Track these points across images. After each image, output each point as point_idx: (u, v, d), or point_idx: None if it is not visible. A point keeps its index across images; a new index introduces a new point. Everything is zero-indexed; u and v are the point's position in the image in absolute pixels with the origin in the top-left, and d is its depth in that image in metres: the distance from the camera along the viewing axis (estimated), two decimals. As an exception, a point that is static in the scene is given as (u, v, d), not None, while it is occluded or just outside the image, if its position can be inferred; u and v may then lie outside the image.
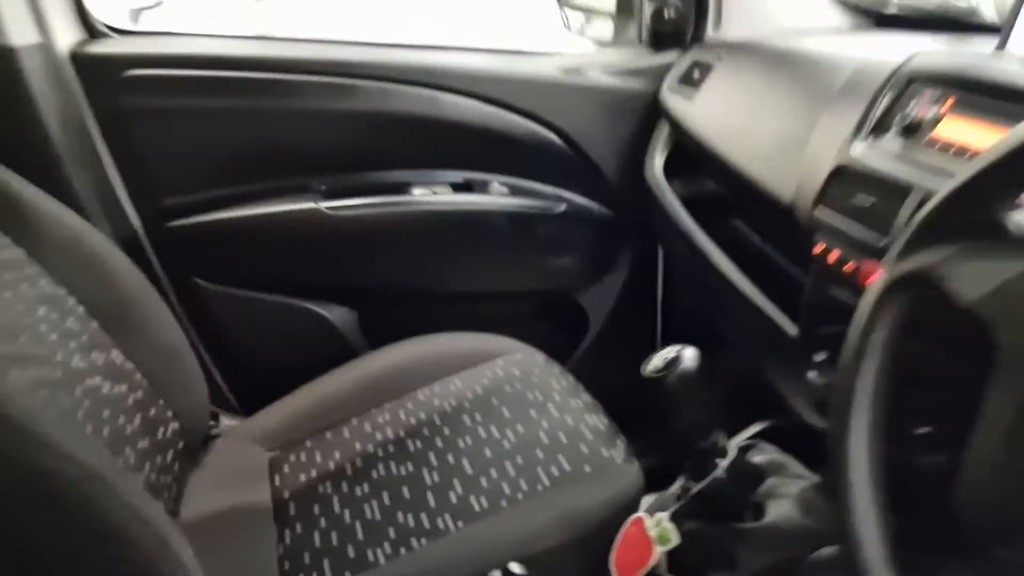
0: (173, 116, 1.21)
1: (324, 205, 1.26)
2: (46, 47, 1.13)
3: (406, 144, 1.29)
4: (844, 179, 0.82)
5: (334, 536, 0.91)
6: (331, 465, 1.02)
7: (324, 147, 1.27)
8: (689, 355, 0.74)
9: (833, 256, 0.79)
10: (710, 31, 1.30)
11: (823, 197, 0.84)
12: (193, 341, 1.25)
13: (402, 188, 1.30)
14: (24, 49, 1.10)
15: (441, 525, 0.90)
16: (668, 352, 0.75)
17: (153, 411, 1.00)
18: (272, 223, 1.25)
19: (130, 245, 1.20)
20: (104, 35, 1.22)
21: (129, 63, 1.19)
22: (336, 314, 1.33)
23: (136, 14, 4.39)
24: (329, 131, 1.26)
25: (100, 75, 1.18)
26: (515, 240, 1.36)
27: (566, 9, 1.53)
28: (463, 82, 1.28)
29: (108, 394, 0.93)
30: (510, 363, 1.15)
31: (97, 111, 1.18)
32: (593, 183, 1.37)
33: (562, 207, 1.37)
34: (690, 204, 1.22)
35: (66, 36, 1.16)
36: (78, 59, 1.16)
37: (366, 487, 0.97)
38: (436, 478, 0.96)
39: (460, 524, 0.89)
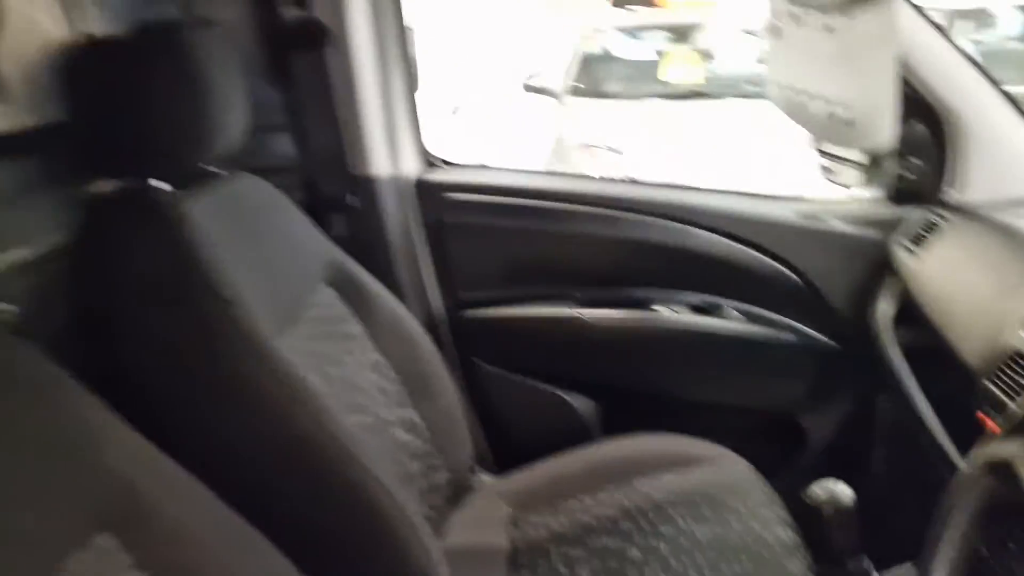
0: (477, 230, 1.57)
1: (582, 312, 1.53)
2: (397, 176, 1.53)
3: (655, 267, 1.53)
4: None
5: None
6: (558, 528, 1.26)
7: (588, 264, 1.55)
8: (842, 490, 0.88)
9: (993, 428, 0.88)
10: (950, 191, 1.39)
11: (997, 374, 0.93)
12: (467, 408, 1.57)
13: (646, 303, 1.54)
14: (383, 178, 1.50)
15: None
16: (826, 484, 0.89)
17: (432, 460, 1.31)
18: (539, 322, 1.55)
19: (433, 327, 1.55)
20: (437, 166, 1.62)
21: (450, 188, 1.56)
22: (580, 402, 1.58)
23: (457, 110, 5.12)
24: (594, 252, 1.54)
25: (430, 196, 1.56)
26: (744, 361, 1.53)
27: (823, 156, 1.68)
28: (711, 219, 1.50)
29: (403, 441, 1.25)
30: (720, 468, 1.31)
31: (424, 222, 1.56)
32: (823, 318, 1.50)
33: (791, 336, 1.52)
34: (911, 353, 1.31)
35: (411, 167, 1.56)
36: (419, 184, 1.56)
37: (582, 551, 1.19)
38: (638, 555, 1.16)
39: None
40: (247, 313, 0.99)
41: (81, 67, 1.03)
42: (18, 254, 0.91)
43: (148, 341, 0.97)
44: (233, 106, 1.13)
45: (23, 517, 0.61)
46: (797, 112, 1.38)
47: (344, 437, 1.01)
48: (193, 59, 1.06)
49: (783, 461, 1.58)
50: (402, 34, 1.53)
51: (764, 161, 3.21)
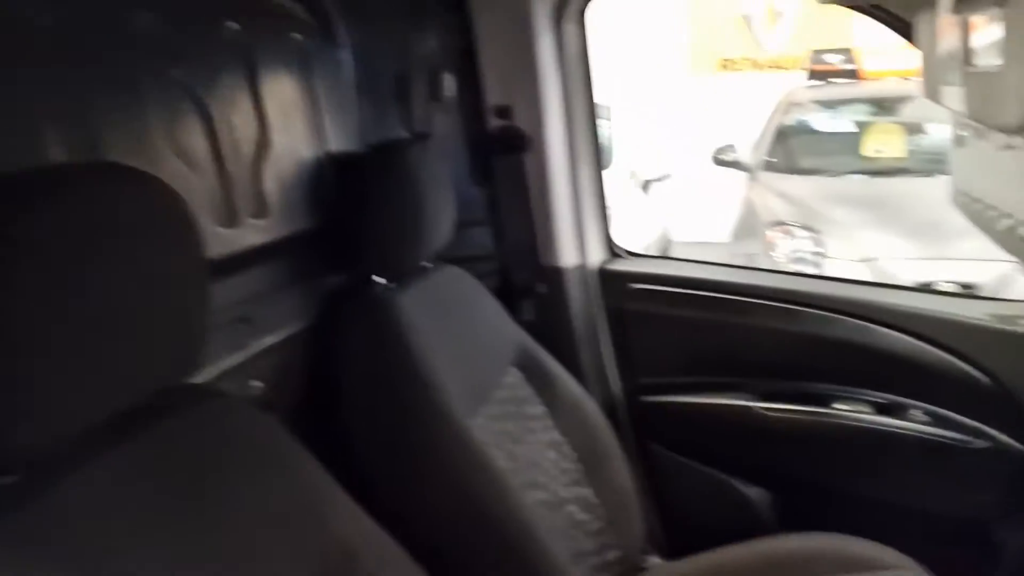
0: (657, 318, 1.64)
1: (758, 404, 1.56)
2: (583, 266, 1.65)
3: (836, 364, 1.53)
4: None
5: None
6: (723, 617, 1.29)
7: (767, 357, 1.58)
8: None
9: None
10: None
11: None
12: (641, 491, 1.63)
13: (827, 400, 1.54)
14: (570, 267, 1.63)
15: None
16: None
17: (604, 539, 1.38)
18: (717, 411, 1.59)
19: (611, 410, 1.64)
20: (620, 256, 1.72)
21: (633, 278, 1.66)
22: (755, 493, 1.60)
23: (647, 184, 5.21)
24: (774, 345, 1.57)
25: (613, 285, 1.66)
26: (930, 464, 1.49)
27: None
28: (896, 318, 1.49)
29: (578, 519, 1.34)
30: (897, 576, 1.29)
31: (606, 309, 1.66)
32: (1018, 424, 1.44)
33: (982, 442, 1.46)
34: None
35: (596, 257, 1.68)
36: (602, 273, 1.67)
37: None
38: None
39: None
40: (445, 395, 1.13)
41: (324, 181, 1.24)
42: (268, 340, 1.11)
43: (364, 417, 1.14)
44: (444, 209, 1.30)
45: (257, 570, 0.75)
46: (983, 224, 1.36)
47: (525, 515, 1.11)
48: (413, 170, 1.24)
49: (969, 573, 1.50)
50: (593, 137, 1.66)
51: (971, 246, 3.03)
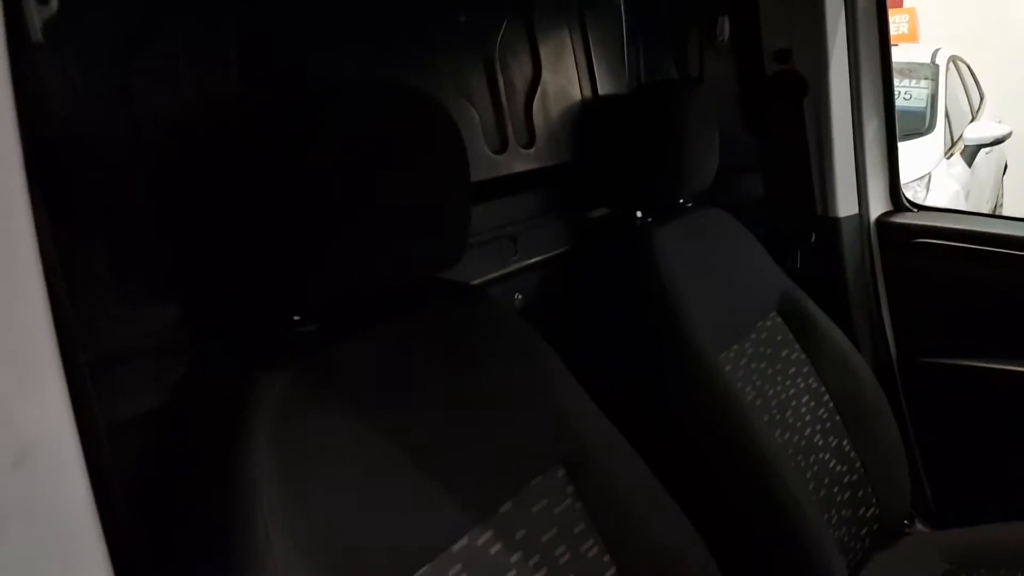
0: (941, 275, 1.52)
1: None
2: (861, 217, 1.57)
3: None
4: None
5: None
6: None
7: None
8: None
9: None
10: None
11: None
12: (913, 456, 1.53)
13: None
14: (846, 218, 1.56)
15: None
16: None
17: (860, 493, 1.33)
18: (1005, 377, 1.44)
19: (883, 369, 1.55)
20: (905, 209, 1.61)
21: (917, 232, 1.54)
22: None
23: (974, 151, 4.64)
24: None
25: (894, 239, 1.57)
26: None
27: None
28: None
29: (831, 468, 1.31)
30: None
31: (884, 263, 1.57)
32: None
33: None
34: None
35: (876, 208, 1.59)
36: (880, 226, 1.57)
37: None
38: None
39: None
40: (694, 326, 1.17)
41: (589, 120, 1.33)
42: (531, 259, 1.23)
43: (612, 339, 1.21)
44: (708, 150, 1.32)
45: (506, 434, 0.85)
46: None
47: (767, 449, 1.12)
48: (677, 109, 1.28)
49: None
50: (884, 86, 1.57)
51: None
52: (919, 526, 1.45)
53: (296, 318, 0.74)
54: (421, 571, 0.72)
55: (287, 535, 0.62)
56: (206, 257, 0.78)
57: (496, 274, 1.17)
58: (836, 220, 1.57)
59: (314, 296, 0.72)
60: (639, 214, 1.29)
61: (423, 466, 0.76)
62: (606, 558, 0.88)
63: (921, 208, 1.63)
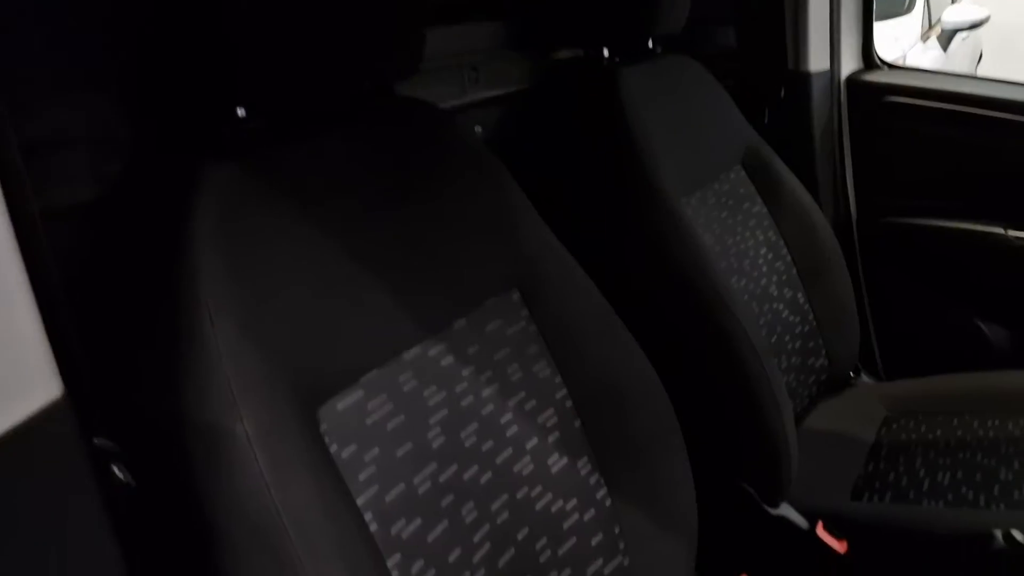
0: (907, 134, 1.51)
1: (1013, 232, 1.41)
2: (831, 74, 1.54)
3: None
4: None
5: (904, 480, 1.15)
6: (931, 436, 1.24)
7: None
8: None
9: None
10: None
11: None
12: (865, 312, 1.56)
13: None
14: (816, 74, 1.53)
15: (971, 497, 1.05)
16: None
17: (811, 344, 1.36)
18: (961, 236, 1.46)
19: (842, 226, 1.56)
20: (877, 67, 1.58)
21: (888, 90, 1.52)
22: (991, 328, 1.47)
23: (950, 35, 4.56)
24: None
25: (864, 96, 1.54)
26: None
27: None
28: None
29: (784, 318, 1.32)
30: None
31: (852, 123, 1.56)
32: None
33: None
34: None
35: (848, 65, 1.56)
36: (851, 83, 1.55)
37: (948, 460, 1.16)
38: (1009, 477, 1.09)
39: (1000, 507, 1.03)
40: (658, 167, 1.15)
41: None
42: (492, 92, 1.19)
43: (573, 174, 1.19)
44: None
45: (462, 253, 0.84)
46: None
47: (724, 291, 1.12)
48: None
49: None
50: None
51: None
52: (865, 378, 1.49)
53: (241, 113, 0.71)
54: (369, 375, 0.71)
55: (233, 323, 0.60)
56: (144, 41, 0.73)
57: (456, 102, 1.13)
58: (807, 75, 1.53)
59: (258, 86, 0.69)
60: (606, 53, 1.25)
61: (376, 275, 0.75)
62: (557, 379, 0.88)
63: (893, 67, 1.60)
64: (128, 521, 0.50)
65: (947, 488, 1.10)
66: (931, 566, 0.98)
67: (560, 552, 0.82)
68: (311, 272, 0.69)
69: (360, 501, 0.66)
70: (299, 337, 0.65)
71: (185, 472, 0.57)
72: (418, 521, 0.70)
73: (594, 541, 0.86)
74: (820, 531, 1.05)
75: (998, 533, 0.89)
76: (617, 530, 0.89)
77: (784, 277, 1.36)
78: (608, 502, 0.88)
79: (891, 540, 1.03)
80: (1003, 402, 1.27)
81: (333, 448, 0.66)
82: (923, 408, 1.31)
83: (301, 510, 0.57)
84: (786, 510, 1.10)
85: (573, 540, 0.84)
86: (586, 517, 0.86)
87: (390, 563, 0.66)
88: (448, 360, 0.79)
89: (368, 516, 0.66)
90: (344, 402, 0.69)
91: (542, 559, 0.80)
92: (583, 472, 0.87)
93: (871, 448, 1.25)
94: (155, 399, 0.60)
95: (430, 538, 0.70)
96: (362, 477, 0.67)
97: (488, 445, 0.79)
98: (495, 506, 0.77)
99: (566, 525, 0.84)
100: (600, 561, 0.86)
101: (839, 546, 1.05)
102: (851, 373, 1.46)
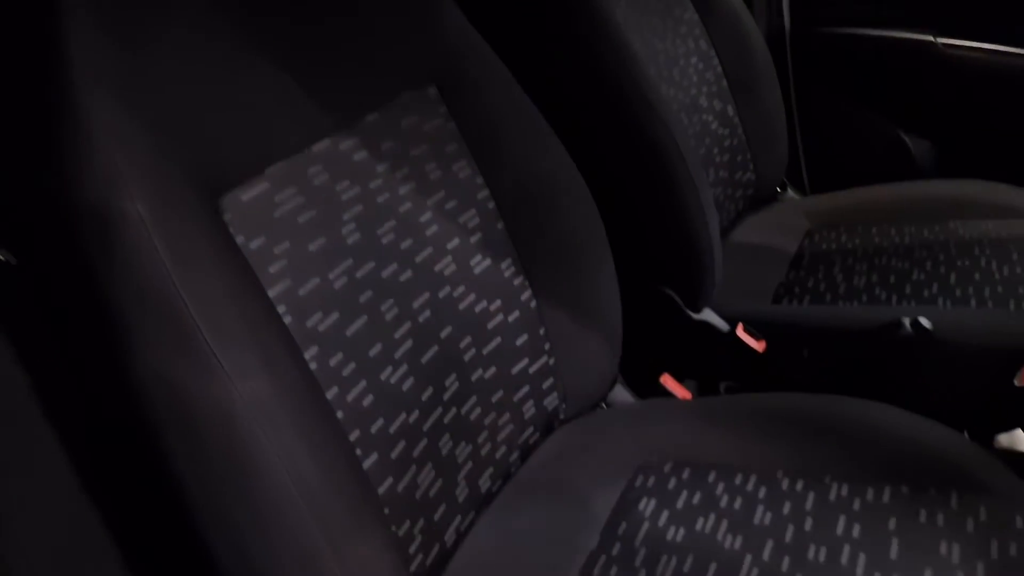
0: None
1: (942, 40, 1.39)
2: None
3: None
4: None
5: (822, 285, 1.17)
6: (850, 245, 1.26)
7: None
8: None
9: None
10: None
11: None
12: (793, 125, 1.56)
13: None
14: None
15: (884, 297, 1.09)
16: None
17: (739, 157, 1.35)
18: (890, 46, 1.44)
19: (775, 38, 1.52)
20: None
21: None
22: (915, 141, 1.48)
23: None
24: None
25: None
26: None
27: None
28: None
29: (712, 130, 1.30)
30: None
31: None
32: None
33: None
34: None
35: None
36: None
37: (865, 266, 1.19)
38: (921, 277, 1.13)
39: (912, 303, 1.07)
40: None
41: None
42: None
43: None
44: None
45: (373, 42, 0.78)
46: None
47: (653, 98, 1.08)
48: None
49: None
50: None
51: None
52: (791, 193, 1.50)
53: None
54: (275, 166, 0.67)
55: (112, 94, 0.55)
56: None
57: None
58: None
59: None
60: None
61: (279, 62, 0.69)
62: (479, 180, 0.85)
63: None
64: (12, 301, 0.47)
65: (862, 290, 1.13)
66: (844, 359, 1.02)
67: (485, 351, 0.82)
68: (205, 54, 0.63)
69: (272, 293, 0.63)
70: (191, 119, 0.60)
71: (77, 253, 0.53)
72: (335, 315, 0.68)
73: (519, 341, 0.86)
74: (740, 332, 1.08)
75: (906, 321, 0.93)
76: (542, 331, 0.89)
77: (714, 88, 1.33)
78: (533, 304, 0.88)
79: (807, 338, 1.06)
80: (921, 210, 1.29)
81: (240, 239, 0.62)
82: (845, 219, 1.33)
83: (205, 294, 0.54)
84: (708, 315, 1.13)
85: (498, 340, 0.84)
86: (510, 318, 0.86)
87: (307, 354, 0.64)
88: (361, 155, 0.75)
89: (282, 309, 0.63)
90: (249, 193, 0.65)
91: (466, 357, 0.80)
92: (507, 274, 0.86)
93: (793, 258, 1.27)
94: (33, 177, 0.55)
95: (349, 332, 0.68)
96: (273, 270, 0.64)
97: (407, 243, 0.76)
98: (416, 304, 0.76)
99: (490, 325, 0.83)
100: (525, 361, 0.87)
101: (758, 346, 1.08)
102: (777, 188, 1.47)
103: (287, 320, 0.63)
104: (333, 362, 0.66)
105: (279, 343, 0.58)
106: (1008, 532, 0.67)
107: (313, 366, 0.64)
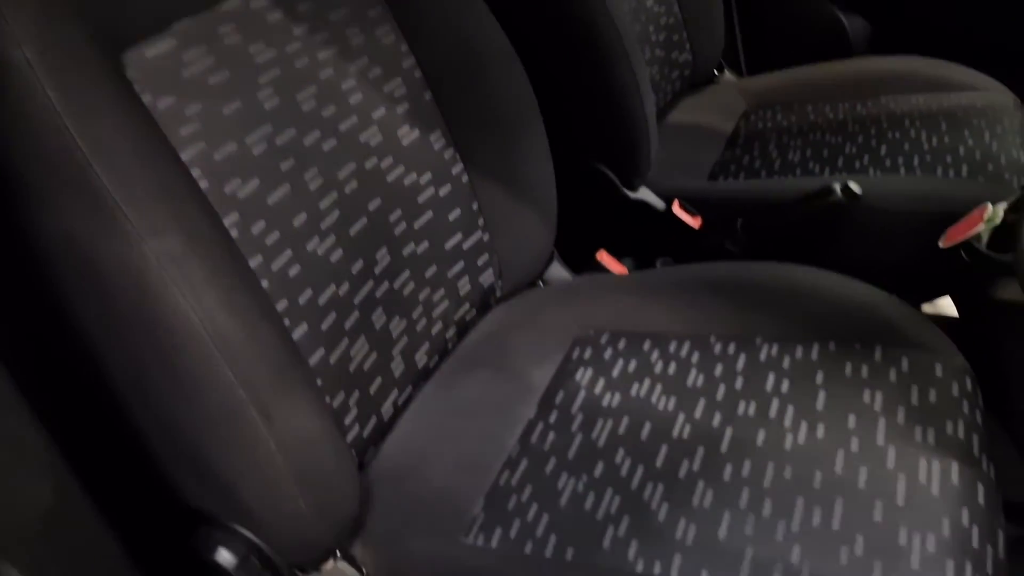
0: None
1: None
2: None
3: None
4: None
5: (757, 162, 1.17)
6: (785, 124, 1.26)
7: None
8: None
9: None
10: None
11: None
12: (729, 8, 1.53)
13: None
14: None
15: (818, 170, 1.10)
16: None
17: (676, 36, 1.33)
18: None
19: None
20: None
21: None
22: (852, 21, 1.47)
23: None
24: None
25: None
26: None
27: None
28: None
29: (648, 7, 1.27)
30: (981, 96, 1.20)
31: None
32: None
33: None
34: None
35: None
36: None
37: (800, 142, 1.19)
38: (850, 149, 1.14)
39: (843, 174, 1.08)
40: None
41: None
42: None
43: None
44: None
45: None
46: None
47: None
48: None
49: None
50: None
51: None
52: (728, 75, 1.49)
53: None
54: (182, 23, 0.63)
55: None
56: None
57: None
58: None
59: None
60: None
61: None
62: (404, 47, 0.82)
63: None
64: None
65: (796, 165, 1.13)
66: (776, 228, 1.03)
67: (416, 225, 0.80)
68: None
69: (185, 156, 0.60)
70: None
71: None
72: (255, 182, 0.65)
73: (451, 216, 0.85)
74: (676, 208, 1.08)
75: (836, 186, 0.93)
76: (475, 206, 0.87)
77: None
78: (464, 178, 0.86)
79: (742, 212, 1.07)
80: (855, 87, 1.29)
81: (146, 98, 0.59)
82: (781, 99, 1.33)
83: (109, 150, 0.51)
84: (644, 193, 1.12)
85: (429, 214, 0.82)
86: (442, 192, 0.84)
87: (227, 221, 0.61)
88: (275, 16, 0.71)
89: (196, 172, 0.60)
90: (153, 49, 0.60)
91: (397, 231, 0.78)
92: (436, 146, 0.84)
93: (729, 137, 1.26)
94: None
95: (270, 200, 0.66)
96: (184, 132, 0.61)
97: (329, 111, 0.73)
98: (342, 174, 0.73)
99: (421, 199, 0.81)
100: (459, 236, 0.85)
101: (694, 222, 1.08)
102: (715, 71, 1.45)
103: (203, 185, 0.60)
104: (255, 230, 0.64)
105: (193, 203, 0.55)
106: (929, 379, 0.69)
107: (234, 233, 0.62)
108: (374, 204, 0.76)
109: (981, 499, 0.59)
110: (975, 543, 0.56)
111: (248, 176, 0.64)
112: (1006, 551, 0.59)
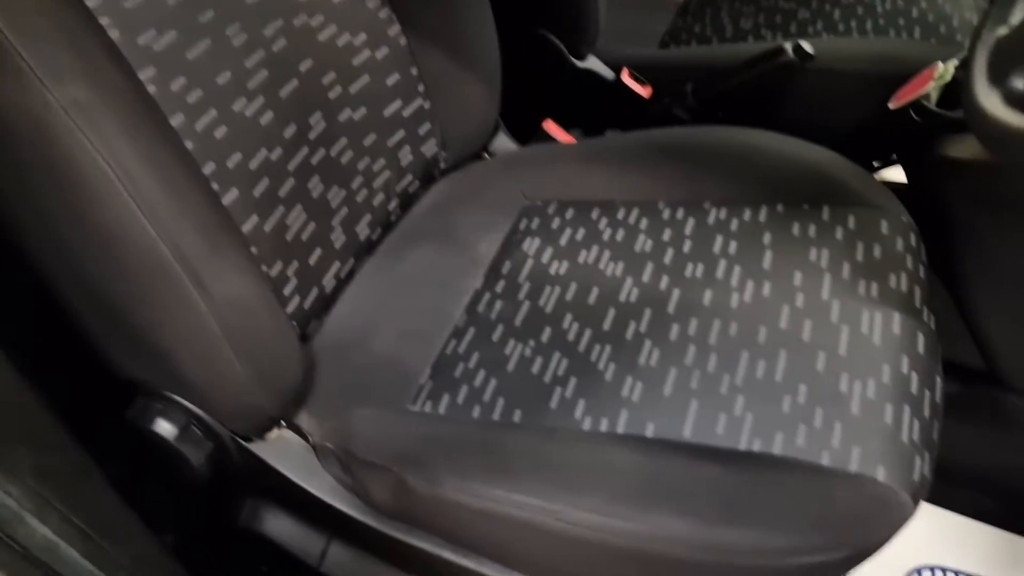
0: None
1: None
2: None
3: None
4: None
5: (708, 30, 1.14)
6: None
7: None
8: None
9: None
10: None
11: None
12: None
13: None
14: None
15: (771, 36, 1.07)
16: None
17: None
18: None
19: None
20: None
21: None
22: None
23: None
24: None
25: None
26: None
27: None
28: None
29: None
30: None
31: None
32: None
33: None
34: None
35: None
36: None
37: (752, 9, 1.15)
38: (803, 15, 1.10)
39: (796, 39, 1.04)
40: None
41: None
42: None
43: None
44: None
45: None
46: None
47: None
48: None
49: None
50: None
51: None
52: None
53: None
54: None
55: None
56: None
57: None
58: None
59: None
60: None
61: None
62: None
63: None
64: None
65: (748, 32, 1.10)
66: (728, 91, 1.00)
67: (352, 90, 0.76)
68: None
69: (91, 3, 0.55)
70: None
71: None
72: (172, 34, 0.60)
73: (390, 81, 0.80)
74: (625, 77, 1.05)
75: (788, 46, 0.91)
76: (414, 71, 0.83)
77: None
78: (403, 41, 0.81)
79: (692, 79, 1.04)
80: None
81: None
82: None
83: None
84: (592, 62, 1.08)
85: (366, 78, 0.78)
86: (379, 55, 0.79)
87: (143, 75, 0.57)
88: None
89: (105, 20, 0.55)
90: None
91: (331, 95, 0.74)
92: (370, 5, 0.79)
93: (680, 6, 1.22)
94: None
95: (190, 56, 0.61)
96: (85, -23, 0.55)
97: (252, -39, 0.67)
98: (268, 31, 0.68)
99: (356, 61, 0.77)
100: (398, 103, 0.81)
101: (644, 91, 1.05)
102: None
103: (113, 34, 0.56)
104: (175, 87, 0.59)
105: (101, 51, 0.51)
106: (874, 236, 0.69)
107: (152, 89, 0.57)
108: (305, 65, 0.71)
109: (921, 348, 0.60)
110: (914, 388, 0.57)
111: (163, 28, 0.59)
112: (943, 398, 0.60)
